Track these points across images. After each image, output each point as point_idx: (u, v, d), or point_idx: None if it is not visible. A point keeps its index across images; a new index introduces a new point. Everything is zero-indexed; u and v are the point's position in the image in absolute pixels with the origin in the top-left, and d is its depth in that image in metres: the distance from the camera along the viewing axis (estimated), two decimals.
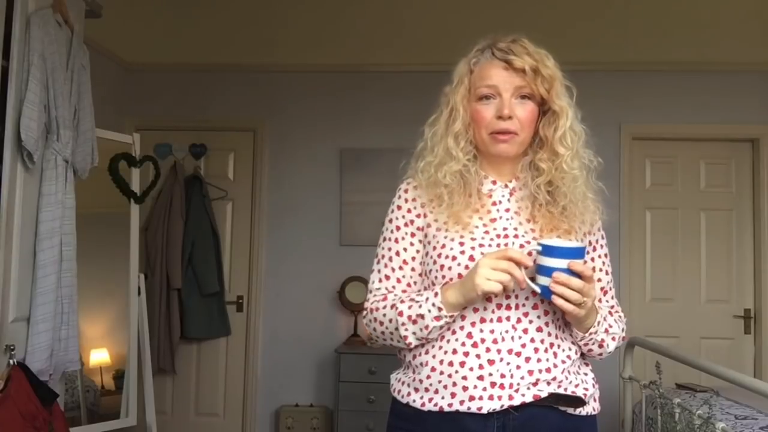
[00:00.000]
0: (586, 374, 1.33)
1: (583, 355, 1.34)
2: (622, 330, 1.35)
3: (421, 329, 1.25)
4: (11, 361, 2.05)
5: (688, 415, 2.33)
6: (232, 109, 4.15)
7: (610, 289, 1.40)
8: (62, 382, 2.52)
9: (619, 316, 1.37)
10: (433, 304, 1.23)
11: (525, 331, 1.24)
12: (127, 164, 3.05)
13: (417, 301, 1.26)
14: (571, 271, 1.15)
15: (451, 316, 1.23)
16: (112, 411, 2.95)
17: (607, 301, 1.39)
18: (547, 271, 1.16)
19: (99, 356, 2.95)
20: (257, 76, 4.14)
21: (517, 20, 3.64)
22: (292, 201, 4.08)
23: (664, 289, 3.97)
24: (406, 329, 1.27)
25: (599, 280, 1.37)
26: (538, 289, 1.19)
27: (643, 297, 3.98)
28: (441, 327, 1.24)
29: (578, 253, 1.17)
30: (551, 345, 1.26)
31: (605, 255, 1.40)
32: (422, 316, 1.24)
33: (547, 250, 1.17)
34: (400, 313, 1.27)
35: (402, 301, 1.29)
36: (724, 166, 4.00)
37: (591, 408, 1.31)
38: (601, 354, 1.32)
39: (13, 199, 2.09)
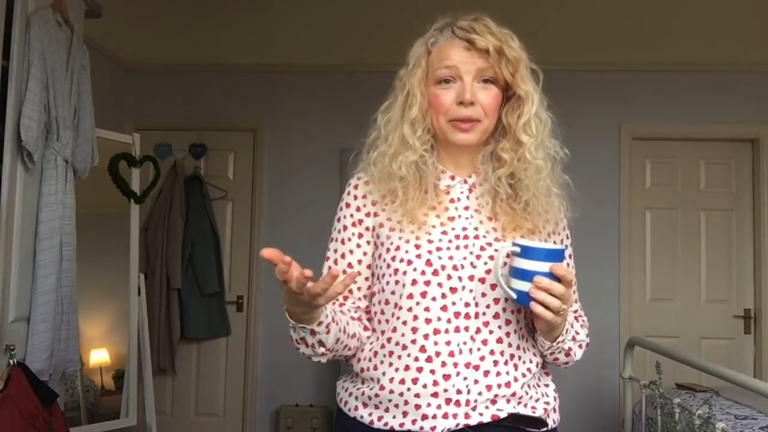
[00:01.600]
0: (546, 385, 1.24)
1: (545, 364, 1.25)
2: (587, 336, 1.25)
3: (312, 348, 1.14)
4: (11, 361, 2.05)
5: (688, 415, 2.33)
6: (232, 109, 4.15)
7: (574, 292, 1.25)
8: (62, 382, 2.52)
9: (584, 321, 1.28)
10: (299, 327, 1.10)
11: (484, 342, 1.13)
12: (127, 164, 3.05)
13: (290, 326, 1.13)
14: (551, 276, 1.03)
15: (319, 323, 1.09)
16: (112, 411, 2.95)
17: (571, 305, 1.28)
18: (525, 275, 1.04)
19: (99, 356, 2.95)
20: (257, 76, 4.14)
21: (517, 20, 3.63)
22: (292, 201, 4.08)
23: (664, 289, 3.97)
24: (303, 353, 1.16)
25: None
26: (513, 295, 1.06)
27: (643, 297, 3.98)
28: (327, 333, 1.11)
29: (559, 255, 1.06)
30: (512, 357, 1.15)
31: (570, 256, 1.28)
32: (304, 339, 1.13)
33: (526, 252, 1.04)
34: (290, 337, 1.15)
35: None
36: (724, 166, 4.00)
37: (551, 421, 1.21)
38: (567, 363, 1.22)
39: (13, 199, 2.09)
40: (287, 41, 3.90)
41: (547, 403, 1.20)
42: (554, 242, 1.25)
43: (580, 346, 1.22)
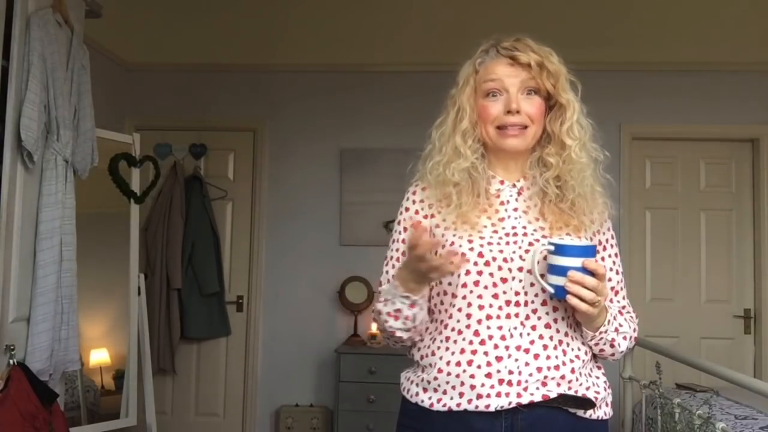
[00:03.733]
0: (597, 377, 1.31)
1: (595, 357, 1.33)
2: (634, 330, 1.34)
3: (404, 321, 1.27)
4: (11, 361, 2.05)
5: (688, 415, 2.33)
6: (232, 109, 4.15)
7: (621, 289, 1.39)
8: (62, 382, 2.52)
9: (631, 317, 1.36)
10: (401, 296, 1.24)
11: (533, 327, 1.23)
12: (127, 164, 3.05)
13: (389, 299, 1.27)
14: (585, 270, 1.14)
15: (422, 297, 1.25)
16: (112, 411, 2.95)
17: (618, 302, 1.38)
18: (560, 271, 1.15)
19: (99, 356, 2.95)
20: (257, 76, 4.14)
21: (517, 20, 3.63)
22: (292, 201, 4.08)
23: (664, 289, 3.97)
24: (391, 326, 1.28)
25: (609, 279, 1.36)
26: (551, 289, 1.18)
27: (643, 297, 3.98)
28: (421, 309, 1.26)
29: (590, 251, 1.16)
30: (560, 342, 1.24)
31: (615, 255, 1.39)
32: (399, 310, 1.25)
33: (560, 249, 1.16)
34: (379, 312, 1.29)
35: (379, 302, 1.30)
36: (724, 166, 4.00)
37: (602, 412, 1.28)
38: (613, 354, 1.30)
39: (13, 199, 2.09)
40: (287, 41, 3.90)
41: (597, 392, 1.27)
42: (599, 241, 1.35)
43: (625, 338, 1.30)
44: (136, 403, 3.02)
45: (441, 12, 3.55)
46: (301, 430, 3.80)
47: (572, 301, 1.15)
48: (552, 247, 1.17)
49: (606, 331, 1.25)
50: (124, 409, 2.98)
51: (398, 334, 1.29)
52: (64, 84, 2.28)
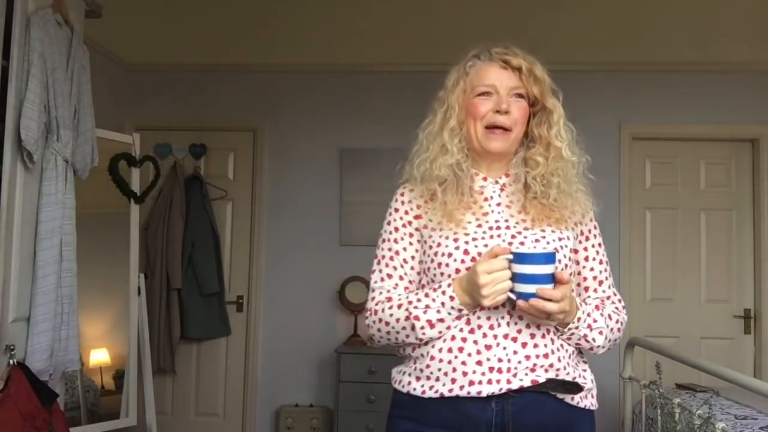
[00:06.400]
0: (585, 370, 1.37)
1: (581, 352, 1.38)
2: (617, 321, 1.37)
3: (440, 331, 1.30)
4: (11, 361, 2.05)
5: (688, 415, 2.33)
6: (232, 109, 4.14)
7: (606, 279, 1.42)
8: (62, 382, 2.52)
9: (616, 308, 1.39)
10: (452, 308, 1.27)
11: (521, 317, 1.27)
12: (127, 164, 3.05)
13: (431, 307, 1.29)
14: (550, 277, 1.19)
15: (469, 312, 1.29)
16: (112, 411, 2.95)
17: (603, 291, 1.41)
18: (522, 278, 1.19)
19: (99, 356, 2.95)
20: (257, 76, 4.14)
21: (517, 20, 3.63)
22: (292, 201, 4.08)
23: (664, 289, 3.97)
24: (424, 332, 1.29)
25: (592, 269, 1.41)
26: (513, 296, 1.21)
27: (643, 297, 3.98)
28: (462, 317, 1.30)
29: (550, 258, 1.20)
30: (548, 331, 1.29)
31: (599, 245, 1.43)
32: (442, 320, 1.29)
33: (520, 258, 1.19)
34: (416, 318, 1.29)
35: (414, 306, 1.31)
36: (724, 166, 4.00)
37: (589, 402, 1.35)
38: (591, 348, 1.34)
39: (13, 199, 2.09)
40: (287, 41, 3.90)
41: (584, 382, 1.33)
42: (581, 231, 1.41)
43: (601, 333, 1.33)
44: (136, 403, 3.02)
45: (441, 12, 3.56)
46: (301, 430, 3.80)
47: (531, 311, 1.20)
48: (511, 256, 1.20)
49: (577, 328, 1.30)
50: (124, 409, 2.99)
51: (427, 338, 1.30)
52: (64, 84, 2.28)
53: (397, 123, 3.91)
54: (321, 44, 3.90)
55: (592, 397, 1.37)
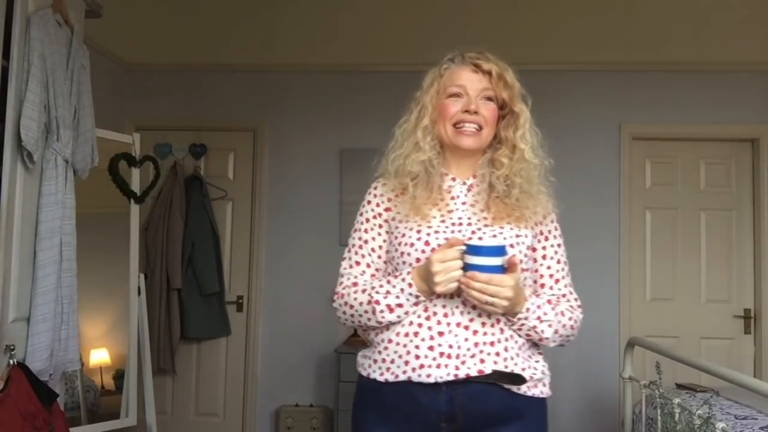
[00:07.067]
0: (537, 361, 1.44)
1: (536, 344, 1.45)
2: (570, 319, 1.43)
3: (399, 315, 1.38)
4: (11, 361, 2.05)
5: (688, 415, 2.33)
6: (232, 109, 4.14)
7: (563, 277, 1.49)
8: (62, 382, 2.52)
9: (570, 306, 1.46)
10: (410, 294, 1.36)
11: (474, 307, 1.35)
12: (127, 164, 3.05)
13: (391, 293, 1.38)
14: (499, 269, 1.28)
15: (426, 299, 1.37)
16: (112, 411, 2.95)
17: (559, 289, 1.48)
18: (473, 269, 1.28)
19: (99, 356, 2.95)
20: (257, 76, 4.13)
21: (517, 21, 3.64)
22: (292, 201, 4.08)
23: (664, 289, 3.97)
24: (383, 316, 1.39)
25: (549, 267, 1.48)
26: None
27: (643, 297, 3.98)
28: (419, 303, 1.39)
29: (500, 251, 1.29)
30: (498, 321, 1.37)
31: (558, 245, 1.51)
32: (401, 305, 1.38)
33: (472, 250, 1.29)
34: (377, 302, 1.39)
35: (376, 291, 1.40)
36: (724, 166, 4.00)
37: (539, 391, 1.41)
38: (541, 340, 1.41)
39: (13, 199, 2.09)
40: (287, 41, 3.90)
41: (533, 374, 1.39)
42: (540, 231, 1.48)
43: (550, 326, 1.39)
44: (136, 403, 3.02)
45: (442, 12, 3.56)
46: (301, 430, 3.80)
47: (478, 296, 1.28)
48: (464, 248, 1.29)
49: (527, 318, 1.37)
50: (124, 409, 2.99)
51: (386, 322, 1.39)
52: (64, 84, 2.28)
53: (396, 123, 3.92)
54: (321, 44, 3.90)
55: (544, 385, 1.43)
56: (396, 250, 1.45)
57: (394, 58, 3.96)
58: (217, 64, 4.09)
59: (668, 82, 3.94)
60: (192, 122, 4.12)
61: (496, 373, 1.34)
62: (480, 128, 1.45)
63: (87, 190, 2.56)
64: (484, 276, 1.27)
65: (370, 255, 1.51)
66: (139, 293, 3.09)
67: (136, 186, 3.08)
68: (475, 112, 1.44)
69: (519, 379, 1.36)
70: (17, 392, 1.98)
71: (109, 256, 3.02)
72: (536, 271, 1.48)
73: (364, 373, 1.46)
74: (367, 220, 1.54)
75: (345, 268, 1.53)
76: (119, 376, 3.00)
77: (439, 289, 1.30)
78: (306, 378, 4.00)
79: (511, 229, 1.42)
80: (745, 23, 3.54)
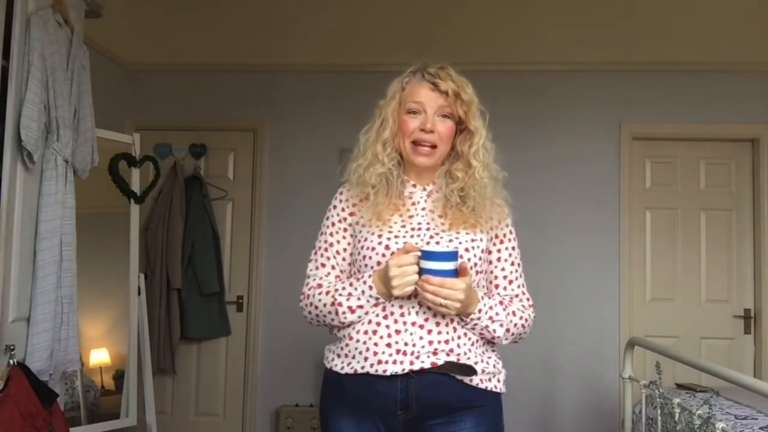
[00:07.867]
0: (489, 357, 1.52)
1: (490, 342, 1.53)
2: (521, 318, 1.52)
3: (359, 316, 1.47)
4: (11, 361, 2.05)
5: (688, 415, 2.33)
6: (232, 109, 4.14)
7: (516, 279, 1.58)
8: (62, 382, 2.52)
9: (522, 306, 1.56)
10: (371, 296, 1.45)
11: (429, 308, 1.43)
12: (127, 164, 3.05)
13: (353, 295, 1.47)
14: (453, 273, 1.36)
15: (386, 300, 1.46)
16: (112, 411, 2.95)
17: (513, 290, 1.57)
18: (428, 273, 1.36)
19: (99, 356, 2.95)
20: (257, 76, 4.13)
21: (517, 21, 3.63)
22: (292, 201, 4.08)
23: (664, 289, 3.97)
24: (345, 316, 1.48)
25: (503, 269, 1.57)
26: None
27: (643, 297, 3.98)
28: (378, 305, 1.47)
29: (452, 256, 1.38)
30: (452, 320, 1.45)
31: (513, 248, 1.60)
32: (361, 306, 1.46)
33: (426, 255, 1.37)
34: (340, 304, 1.48)
35: (339, 294, 1.49)
36: (724, 166, 4.00)
37: (492, 385, 1.50)
38: (493, 338, 1.49)
39: (13, 199, 2.09)
40: (287, 41, 3.90)
41: (485, 368, 1.48)
42: (495, 235, 1.57)
43: (501, 325, 1.48)
44: (136, 403, 3.02)
45: (442, 12, 3.55)
46: (301, 430, 3.80)
47: (432, 299, 1.36)
48: (420, 253, 1.37)
49: (479, 318, 1.45)
50: (124, 409, 2.99)
51: (345, 323, 1.49)
52: (64, 84, 2.28)
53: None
54: (321, 44, 3.90)
55: (499, 381, 1.52)
56: (359, 253, 1.53)
57: (394, 58, 3.94)
58: (217, 64, 4.09)
59: (668, 82, 3.94)
60: (192, 122, 4.12)
61: (448, 364, 1.43)
62: (435, 146, 1.51)
63: (87, 190, 2.56)
64: (437, 280, 1.35)
65: (335, 257, 1.59)
66: (139, 293, 3.09)
67: (136, 186, 3.08)
68: (431, 131, 1.50)
69: (470, 370, 1.44)
70: (17, 392, 1.98)
71: (109, 256, 3.02)
72: (491, 272, 1.57)
73: (328, 366, 1.55)
74: (333, 224, 1.62)
75: (311, 270, 1.61)
76: (119, 376, 3.00)
77: (396, 292, 1.38)
78: (306, 378, 4.00)
79: (467, 233, 1.50)
80: (746, 23, 3.54)
